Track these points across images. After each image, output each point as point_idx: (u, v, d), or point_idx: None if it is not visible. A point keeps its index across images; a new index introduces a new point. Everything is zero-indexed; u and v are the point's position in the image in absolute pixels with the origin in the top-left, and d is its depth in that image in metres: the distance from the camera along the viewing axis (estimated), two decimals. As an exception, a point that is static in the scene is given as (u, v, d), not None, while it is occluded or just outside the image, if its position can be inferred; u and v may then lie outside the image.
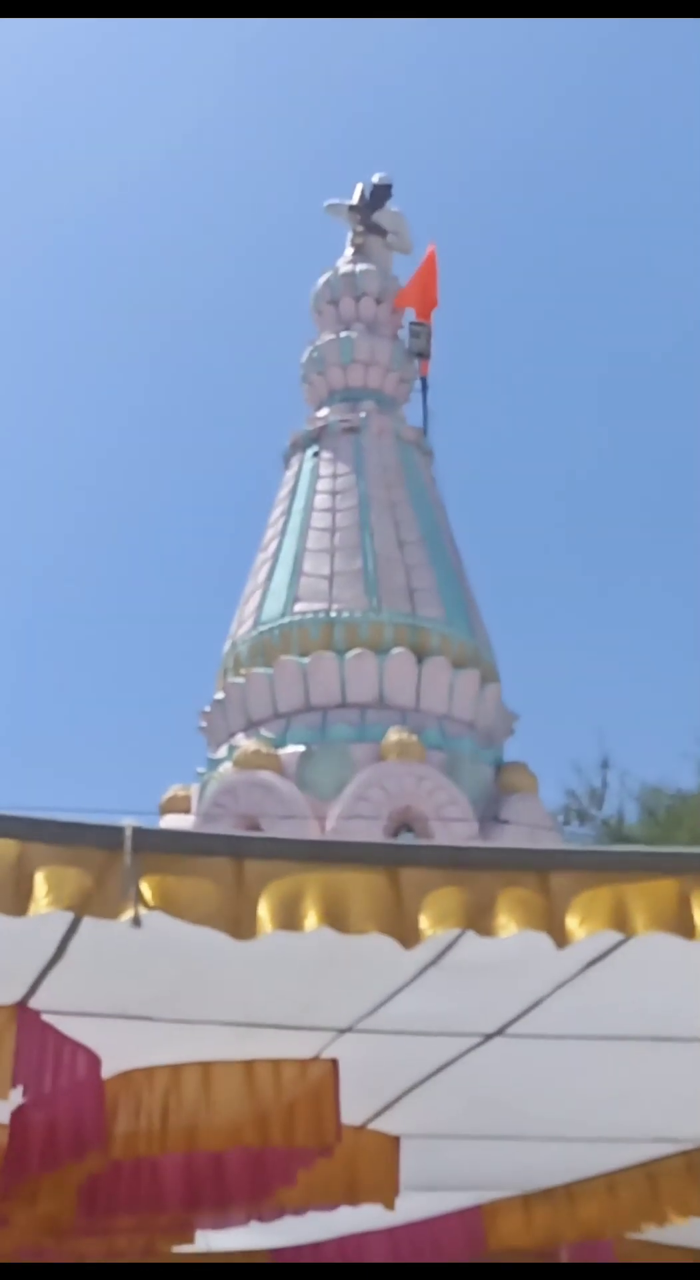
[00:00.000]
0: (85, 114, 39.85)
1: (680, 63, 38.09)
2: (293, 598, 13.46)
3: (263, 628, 13.46)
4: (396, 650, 12.88)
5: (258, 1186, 5.24)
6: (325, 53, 38.16)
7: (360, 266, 15.79)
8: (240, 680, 13.23)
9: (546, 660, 34.69)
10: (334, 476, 14.36)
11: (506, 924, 3.74)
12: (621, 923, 3.79)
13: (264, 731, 12.78)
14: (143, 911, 3.53)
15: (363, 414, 14.81)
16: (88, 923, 3.70)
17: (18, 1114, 4.73)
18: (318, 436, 14.83)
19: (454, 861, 3.90)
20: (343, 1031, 4.80)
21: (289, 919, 3.65)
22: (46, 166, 39.07)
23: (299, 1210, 5.80)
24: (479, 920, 3.76)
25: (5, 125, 39.87)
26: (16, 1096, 4.42)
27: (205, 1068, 4.90)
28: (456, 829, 11.66)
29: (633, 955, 4.03)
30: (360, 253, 16.03)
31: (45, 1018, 4.38)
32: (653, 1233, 6.48)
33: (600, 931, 3.80)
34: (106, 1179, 5.16)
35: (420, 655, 12.96)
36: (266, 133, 39.13)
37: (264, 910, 3.65)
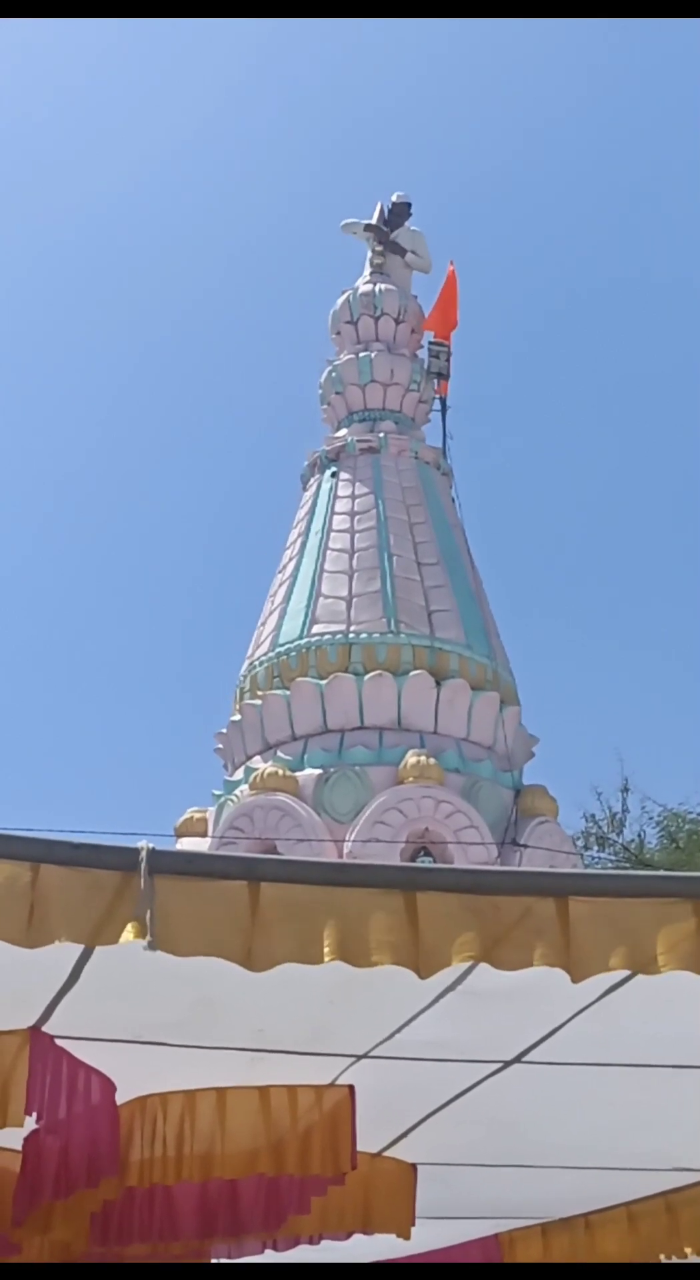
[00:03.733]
0: (92, 124, 40.04)
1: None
2: (310, 619, 13.44)
3: (280, 649, 13.43)
4: (415, 672, 12.84)
5: (272, 1214, 5.19)
6: (337, 67, 38.34)
7: (380, 286, 15.79)
8: (257, 702, 13.20)
9: (567, 683, 34.66)
10: (352, 497, 14.35)
11: (523, 959, 3.71)
12: (638, 960, 3.75)
13: (281, 754, 12.75)
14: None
15: (381, 434, 14.81)
16: (102, 947, 3.67)
17: (31, 1140, 4.69)
18: (336, 457, 14.83)
19: (471, 886, 3.87)
20: (359, 1057, 4.76)
21: (303, 952, 3.62)
22: (53, 177, 39.22)
23: (314, 1239, 5.75)
24: (494, 952, 3.73)
25: (13, 134, 39.97)
26: (30, 1122, 4.39)
27: (220, 1093, 4.85)
28: (475, 852, 11.61)
29: (652, 983, 3.98)
30: (379, 272, 16.03)
31: (59, 1043, 4.35)
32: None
33: (617, 970, 3.77)
34: (120, 1206, 5.11)
35: (439, 677, 12.93)
36: (285, 148, 39.29)
37: (278, 942, 3.62)
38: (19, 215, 38.14)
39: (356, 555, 13.82)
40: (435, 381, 15.72)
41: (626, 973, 3.97)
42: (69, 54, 38.25)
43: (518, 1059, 4.79)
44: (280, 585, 14.20)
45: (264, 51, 37.35)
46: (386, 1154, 5.64)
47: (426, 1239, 6.35)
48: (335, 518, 14.25)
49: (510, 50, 36.89)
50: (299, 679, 13.01)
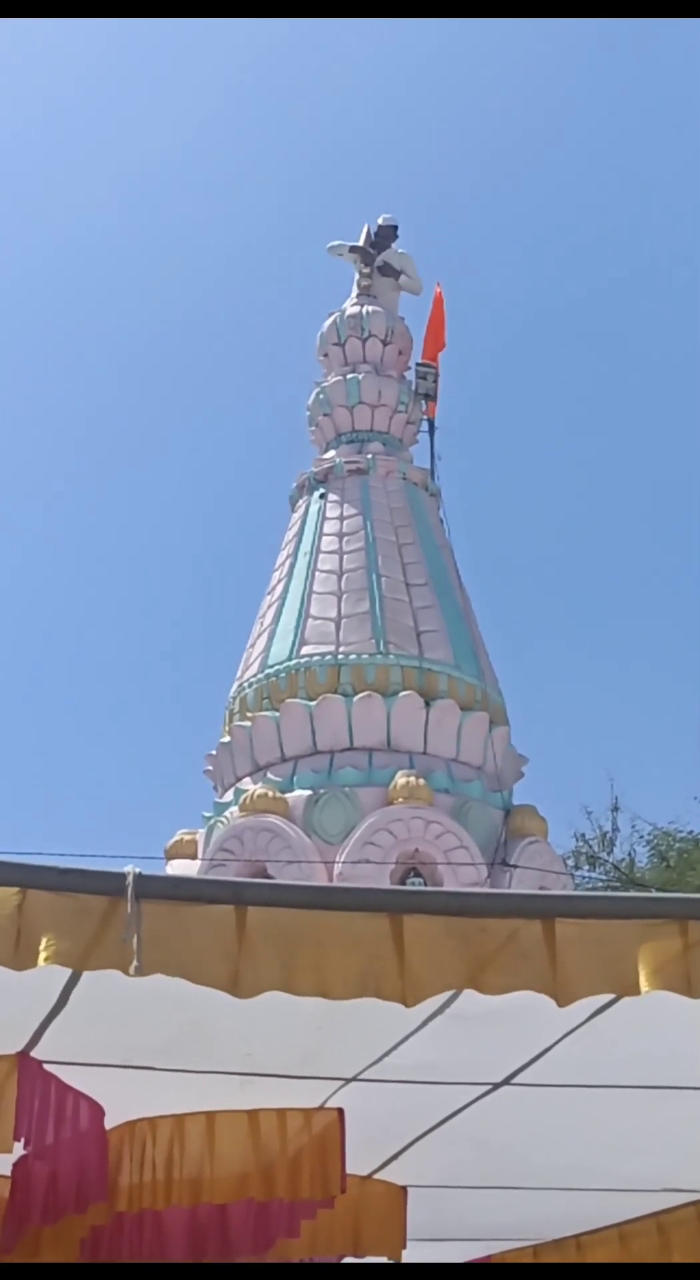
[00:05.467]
0: (81, 140, 40.07)
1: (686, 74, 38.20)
2: (299, 640, 13.44)
3: (269, 671, 13.44)
4: (404, 693, 12.85)
5: (261, 1238, 5.18)
6: (326, 89, 38.48)
7: (367, 308, 15.83)
8: (247, 724, 13.20)
9: (556, 703, 34.68)
10: (341, 519, 14.37)
11: (509, 983, 3.71)
12: (625, 982, 3.76)
13: (271, 775, 12.74)
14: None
15: (369, 455, 14.83)
16: (90, 971, 3.67)
17: (20, 1165, 4.69)
18: (324, 478, 14.85)
19: (458, 908, 3.87)
20: (348, 1080, 4.76)
21: (289, 979, 3.62)
22: (40, 192, 39.24)
23: (304, 1263, 5.73)
24: (480, 978, 3.73)
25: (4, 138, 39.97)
26: (19, 1148, 4.38)
27: (209, 1118, 4.85)
28: (465, 873, 11.61)
29: (640, 1004, 3.99)
30: (366, 294, 16.08)
31: (48, 1068, 4.34)
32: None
33: (602, 994, 3.77)
34: (109, 1231, 5.10)
35: (428, 698, 12.93)
36: (274, 168, 39.41)
37: (264, 968, 3.62)
38: (3, 229, 38.23)
39: (345, 576, 13.84)
40: (423, 403, 15.77)
41: (613, 996, 3.98)
42: (52, 67, 38.42)
43: (506, 1081, 4.79)
44: (269, 607, 14.21)
45: (250, 70, 37.53)
46: (376, 1176, 5.64)
47: (418, 1261, 6.33)
48: (324, 539, 14.27)
49: (497, 64, 37.10)
50: (288, 700, 13.01)
